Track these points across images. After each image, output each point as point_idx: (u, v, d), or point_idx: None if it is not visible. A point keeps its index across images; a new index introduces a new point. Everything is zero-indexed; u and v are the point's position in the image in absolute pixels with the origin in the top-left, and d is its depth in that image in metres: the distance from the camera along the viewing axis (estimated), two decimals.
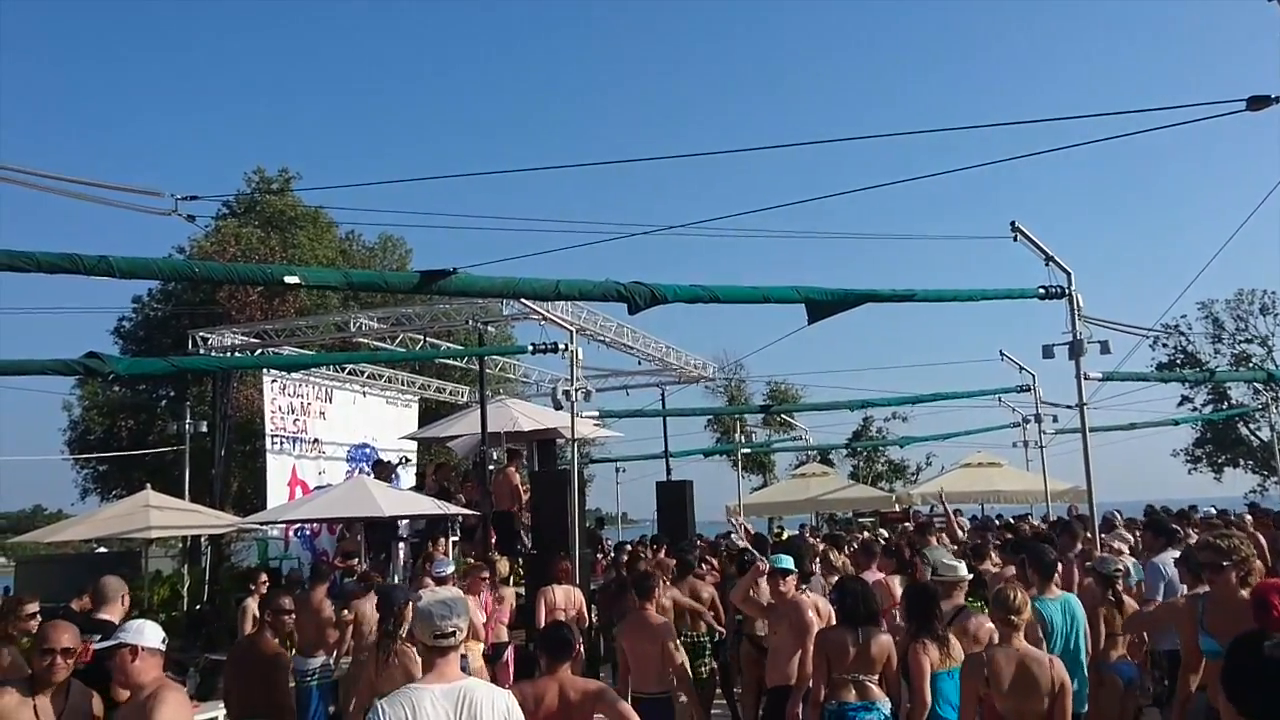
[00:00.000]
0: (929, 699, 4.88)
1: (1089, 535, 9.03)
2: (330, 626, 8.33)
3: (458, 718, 3.08)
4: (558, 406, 12.31)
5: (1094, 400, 12.48)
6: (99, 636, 4.05)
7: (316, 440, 17.60)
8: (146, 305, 27.97)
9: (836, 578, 7.04)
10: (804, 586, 6.69)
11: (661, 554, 10.97)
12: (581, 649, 6.46)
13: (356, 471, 17.13)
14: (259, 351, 16.75)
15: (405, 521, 13.30)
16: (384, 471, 14.76)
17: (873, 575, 7.45)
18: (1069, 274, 9.23)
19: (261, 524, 14.94)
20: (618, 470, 26.36)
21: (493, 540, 12.58)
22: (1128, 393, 18.96)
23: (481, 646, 7.88)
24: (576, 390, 11.40)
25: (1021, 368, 15.90)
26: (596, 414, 14.96)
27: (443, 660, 3.21)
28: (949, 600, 5.83)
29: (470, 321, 15.86)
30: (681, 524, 15.04)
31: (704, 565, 9.86)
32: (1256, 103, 6.88)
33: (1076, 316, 9.14)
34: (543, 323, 12.98)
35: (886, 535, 13.21)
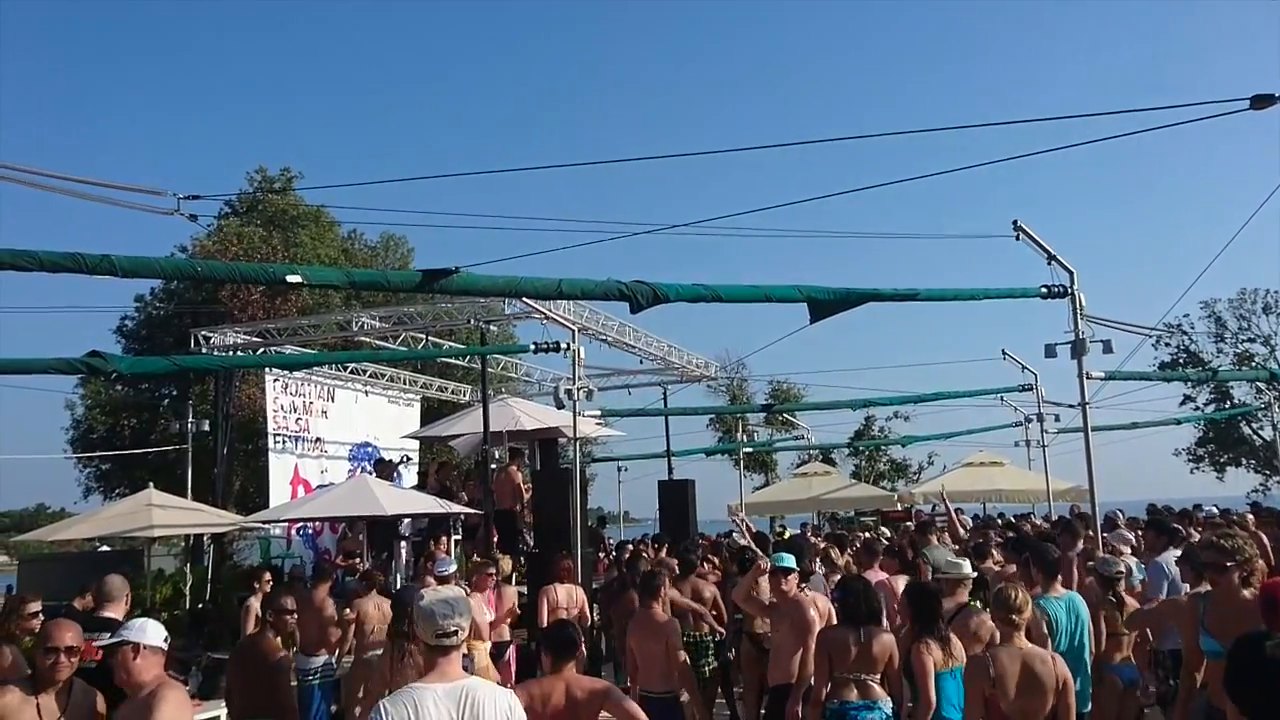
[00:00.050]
0: (934, 699, 4.87)
1: (1091, 534, 9.03)
2: (332, 625, 8.33)
3: (460, 717, 3.08)
4: (560, 405, 12.31)
5: (1096, 400, 12.44)
6: (108, 635, 4.05)
7: (319, 439, 17.61)
8: (149, 304, 27.99)
9: (839, 577, 7.05)
10: (803, 586, 6.69)
11: (663, 553, 10.97)
12: (584, 648, 6.46)
13: (358, 470, 17.15)
14: (261, 350, 16.76)
15: (407, 520, 13.32)
16: (386, 470, 14.78)
17: (875, 575, 7.44)
18: (1071, 273, 9.22)
19: (264, 523, 14.96)
20: (620, 469, 26.38)
21: (494, 539, 12.59)
22: (1130, 392, 18.94)
23: (488, 645, 7.87)
24: (578, 389, 11.39)
25: (1024, 367, 15.88)
26: (598, 413, 14.95)
27: (444, 660, 3.21)
28: (952, 598, 5.83)
29: (472, 320, 15.86)
30: (683, 523, 15.05)
31: (706, 564, 9.85)
32: (1260, 101, 6.85)
33: (1079, 316, 9.12)
34: (545, 322, 12.98)
35: (889, 535, 13.21)
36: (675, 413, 20.20)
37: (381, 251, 31.10)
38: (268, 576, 9.75)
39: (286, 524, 15.76)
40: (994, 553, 8.60)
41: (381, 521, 12.47)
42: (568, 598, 8.50)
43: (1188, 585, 6.54)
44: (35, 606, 5.97)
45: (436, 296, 14.96)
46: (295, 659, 7.76)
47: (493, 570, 8.83)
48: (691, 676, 6.66)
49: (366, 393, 19.22)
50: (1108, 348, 9.42)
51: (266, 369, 16.75)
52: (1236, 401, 35.16)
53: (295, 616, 6.36)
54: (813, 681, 5.51)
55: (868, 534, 13.28)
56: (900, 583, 7.22)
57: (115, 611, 5.50)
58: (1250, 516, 11.76)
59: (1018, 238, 9.24)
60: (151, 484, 13.40)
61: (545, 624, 7.72)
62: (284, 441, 16.94)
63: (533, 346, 13.17)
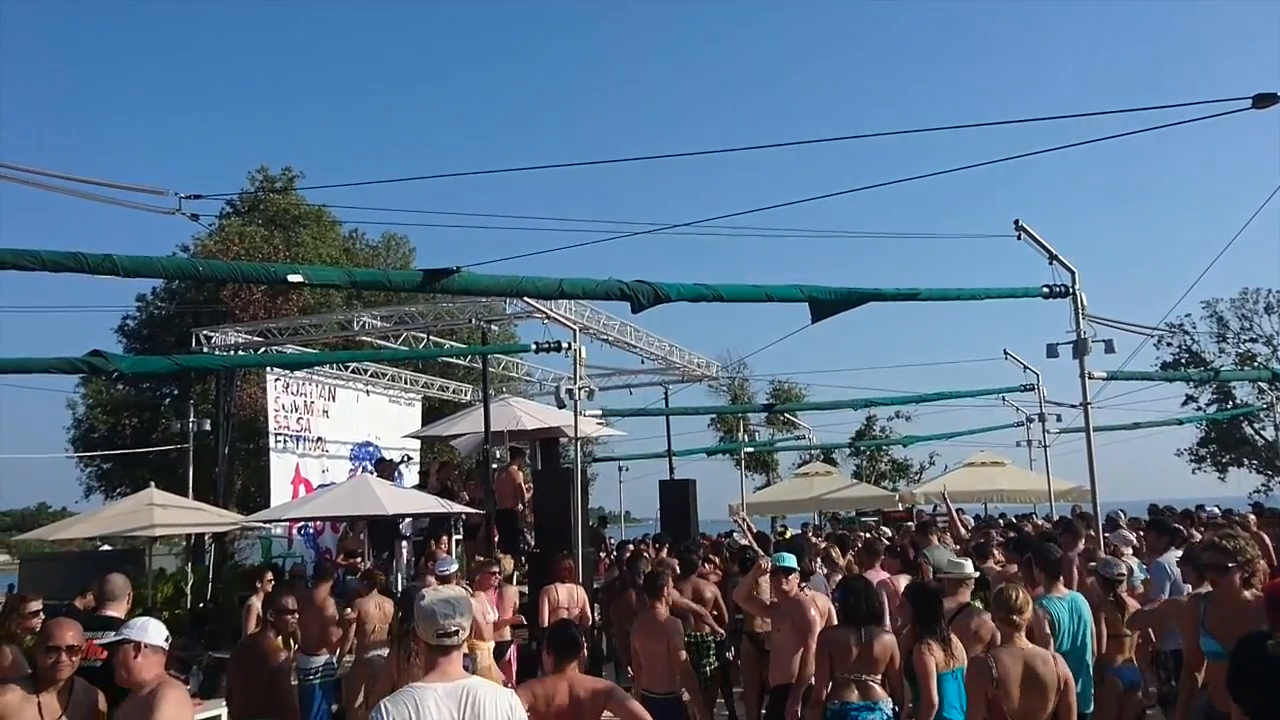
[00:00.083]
0: (936, 700, 4.86)
1: (1092, 534, 9.02)
2: (333, 625, 8.33)
3: (461, 717, 3.08)
4: (561, 405, 12.31)
5: (1098, 400, 12.46)
6: (112, 633, 4.05)
7: (320, 439, 17.62)
8: (150, 304, 28.02)
9: (840, 577, 7.04)
10: (803, 585, 6.69)
11: (664, 553, 10.97)
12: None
13: (360, 470, 17.15)
14: (262, 350, 16.77)
15: (408, 520, 13.32)
16: (387, 470, 14.78)
17: (877, 575, 7.43)
18: (1073, 273, 9.21)
19: (265, 522, 14.97)
20: (621, 469, 26.43)
21: (496, 539, 12.59)
22: (1132, 392, 18.94)
23: (491, 645, 7.87)
24: (580, 389, 11.39)
25: (1025, 367, 15.88)
26: (599, 413, 14.95)
27: (445, 659, 3.20)
28: (954, 598, 5.82)
29: (473, 320, 15.86)
30: (685, 523, 15.05)
31: (708, 564, 9.85)
32: (1262, 100, 6.85)
33: (1080, 315, 9.11)
34: (546, 321, 12.98)
35: (890, 535, 13.20)
36: (676, 412, 20.21)
37: (383, 251, 31.12)
38: (270, 576, 9.76)
39: (288, 523, 15.77)
40: (995, 552, 8.59)
41: (383, 521, 12.47)
42: (568, 597, 8.50)
43: (1189, 586, 6.54)
44: (36, 605, 5.97)
45: (438, 296, 14.96)
46: (296, 658, 7.76)
47: (496, 569, 8.82)
48: (693, 676, 6.66)
49: (368, 392, 19.23)
50: (1109, 348, 9.41)
51: (268, 368, 16.76)
52: (1239, 402, 35.11)
53: (296, 616, 6.35)
54: (813, 682, 5.51)
55: (869, 534, 13.27)
56: (902, 581, 7.21)
57: (117, 610, 5.50)
58: (1252, 517, 11.76)
59: (1019, 237, 9.24)
60: (153, 483, 13.41)
61: (546, 624, 7.72)
62: (285, 441, 16.94)
63: (534, 346, 13.17)
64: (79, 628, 4.10)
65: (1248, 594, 4.50)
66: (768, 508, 21.70)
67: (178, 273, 10.53)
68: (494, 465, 14.05)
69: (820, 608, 6.28)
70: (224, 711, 6.58)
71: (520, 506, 13.93)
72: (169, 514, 12.66)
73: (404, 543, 13.48)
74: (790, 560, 6.41)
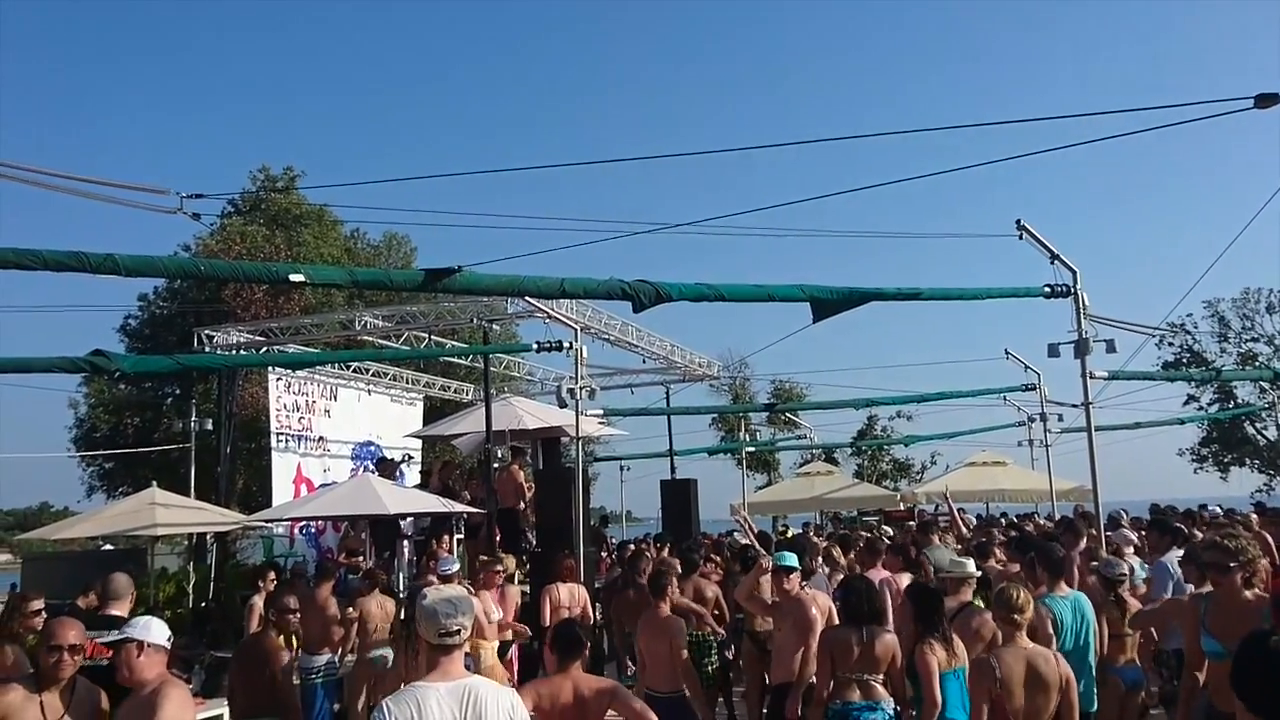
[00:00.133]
0: (939, 700, 4.86)
1: (1094, 534, 9.01)
2: (335, 624, 8.33)
3: (463, 716, 3.08)
4: (562, 405, 12.32)
5: (1099, 399, 12.45)
6: (116, 631, 4.06)
7: (321, 438, 17.63)
8: (152, 303, 28.02)
9: (841, 576, 7.03)
10: (804, 584, 6.68)
11: (665, 552, 10.97)
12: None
13: (361, 469, 17.16)
14: (264, 349, 16.78)
15: (410, 519, 13.34)
16: (388, 469, 14.80)
17: (878, 574, 7.43)
18: (1074, 272, 9.21)
19: (267, 521, 14.99)
20: (622, 469, 26.45)
21: (497, 538, 12.60)
22: (1133, 392, 18.98)
23: (495, 644, 7.87)
24: (581, 388, 11.40)
25: (1027, 366, 15.87)
26: (601, 412, 14.96)
27: (447, 659, 3.21)
28: (956, 597, 5.82)
29: (475, 320, 15.86)
30: (686, 522, 15.07)
31: (709, 564, 9.85)
32: (1264, 100, 6.85)
33: (1082, 315, 9.12)
34: (547, 321, 12.99)
35: (892, 534, 13.19)
36: (678, 412, 20.22)
37: (384, 250, 31.13)
38: (272, 575, 9.76)
39: (289, 523, 15.78)
40: (997, 552, 8.58)
41: (384, 520, 12.49)
42: (570, 597, 8.50)
43: (1191, 585, 6.53)
44: (38, 605, 5.97)
45: (439, 295, 14.97)
46: (298, 658, 7.76)
47: (499, 569, 8.82)
48: (694, 675, 6.65)
49: (369, 391, 19.24)
50: (1111, 347, 9.42)
51: (269, 368, 16.77)
52: (1240, 401, 35.10)
53: (298, 615, 6.36)
54: (815, 681, 5.51)
55: (870, 534, 13.27)
56: (904, 579, 7.21)
57: (120, 609, 5.50)
58: (1254, 516, 11.76)
59: (1021, 237, 9.24)
60: (155, 483, 13.45)
61: (547, 623, 7.72)
62: (287, 440, 16.96)
63: (535, 346, 13.18)
64: (81, 627, 4.10)
65: (1249, 594, 4.50)
66: (769, 507, 21.69)
67: (179, 272, 10.56)
68: (495, 465, 14.06)
69: (821, 607, 6.28)
70: (226, 711, 6.59)
71: (522, 506, 13.94)
72: (171, 513, 12.69)
73: (406, 542, 13.50)
74: (792, 559, 6.41)
